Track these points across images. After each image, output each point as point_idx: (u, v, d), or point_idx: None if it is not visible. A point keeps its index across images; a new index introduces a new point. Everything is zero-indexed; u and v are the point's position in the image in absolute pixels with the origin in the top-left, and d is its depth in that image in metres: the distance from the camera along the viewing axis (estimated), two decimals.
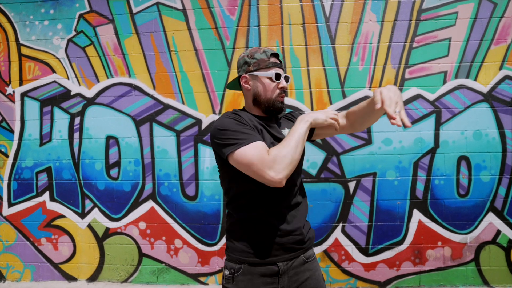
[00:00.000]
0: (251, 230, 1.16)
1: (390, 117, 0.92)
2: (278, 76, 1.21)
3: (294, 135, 1.10)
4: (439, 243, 2.65)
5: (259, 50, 1.23)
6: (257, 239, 1.15)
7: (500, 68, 2.63)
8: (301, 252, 1.20)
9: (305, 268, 1.19)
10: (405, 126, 0.94)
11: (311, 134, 1.35)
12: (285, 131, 1.27)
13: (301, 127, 1.13)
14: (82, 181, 2.86)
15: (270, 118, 1.27)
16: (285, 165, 1.03)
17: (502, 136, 2.62)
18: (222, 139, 1.10)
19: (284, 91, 1.24)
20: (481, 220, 2.63)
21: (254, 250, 1.14)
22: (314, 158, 2.70)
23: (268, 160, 1.02)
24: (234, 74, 2.73)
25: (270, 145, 1.15)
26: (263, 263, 1.14)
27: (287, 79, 1.26)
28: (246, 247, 1.15)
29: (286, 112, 1.43)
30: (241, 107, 1.34)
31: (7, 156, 2.91)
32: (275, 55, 1.24)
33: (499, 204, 2.62)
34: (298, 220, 1.20)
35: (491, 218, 2.63)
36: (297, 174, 1.23)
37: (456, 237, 2.64)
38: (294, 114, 1.40)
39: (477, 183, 2.64)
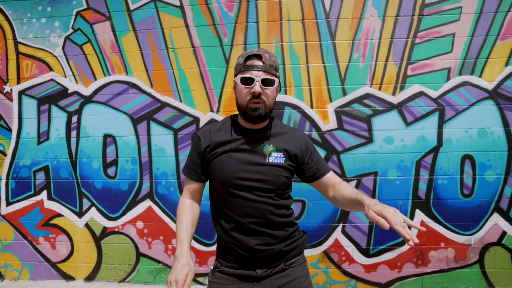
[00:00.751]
0: (224, 243, 1.20)
1: (405, 239, 0.86)
2: (243, 81, 1.12)
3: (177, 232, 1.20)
4: (442, 244, 2.58)
5: (243, 53, 1.17)
6: (230, 252, 1.18)
7: (506, 64, 2.55)
8: (280, 263, 1.18)
9: (284, 274, 1.18)
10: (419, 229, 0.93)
11: (309, 178, 1.28)
12: (266, 148, 1.17)
13: (178, 248, 1.15)
14: (79, 180, 2.84)
15: (259, 125, 1.20)
16: None
17: (508, 134, 2.55)
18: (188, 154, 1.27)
19: (258, 97, 1.11)
20: (486, 221, 2.56)
21: (230, 261, 1.19)
22: None
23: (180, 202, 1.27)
24: (232, 71, 2.69)
25: (234, 162, 1.14)
26: (241, 269, 1.18)
27: (267, 82, 1.12)
28: (224, 255, 1.20)
29: (295, 129, 1.32)
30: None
31: (5, 154, 2.90)
32: (255, 56, 1.13)
33: (504, 205, 2.55)
34: (272, 239, 1.16)
35: (496, 218, 2.55)
36: (268, 190, 1.16)
37: (459, 238, 2.57)
38: (299, 138, 1.25)
39: (481, 182, 2.56)
